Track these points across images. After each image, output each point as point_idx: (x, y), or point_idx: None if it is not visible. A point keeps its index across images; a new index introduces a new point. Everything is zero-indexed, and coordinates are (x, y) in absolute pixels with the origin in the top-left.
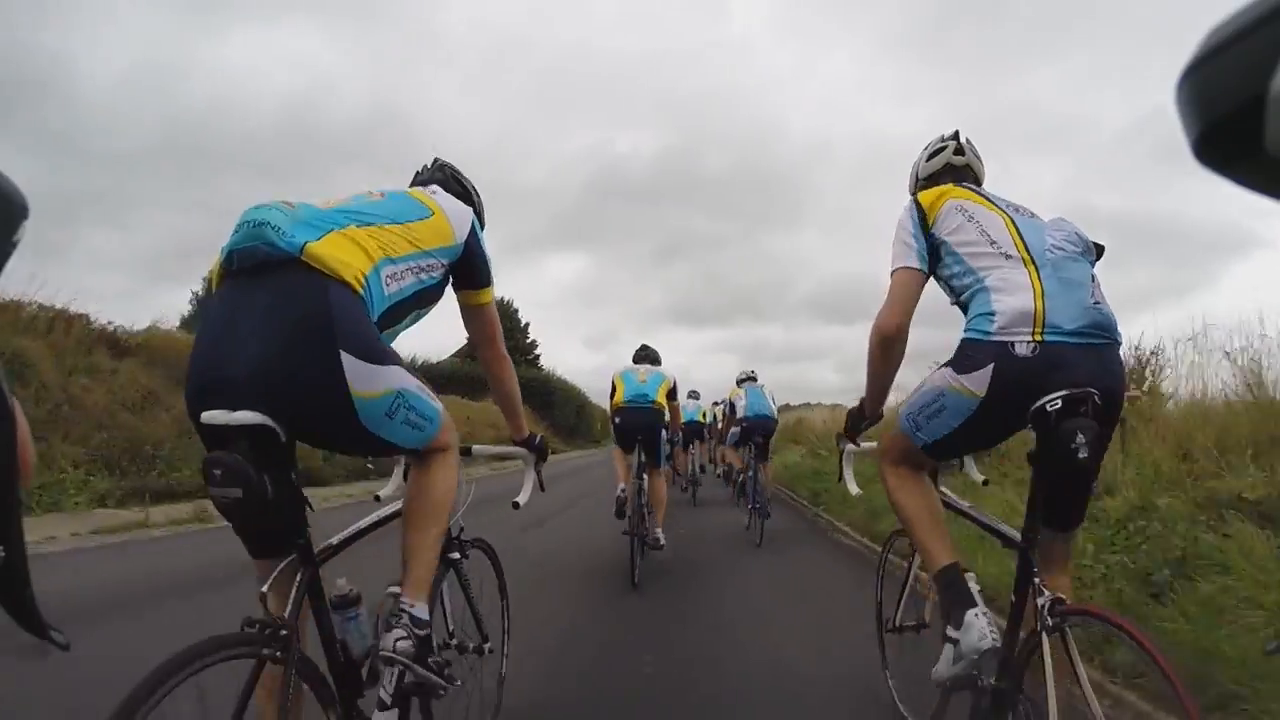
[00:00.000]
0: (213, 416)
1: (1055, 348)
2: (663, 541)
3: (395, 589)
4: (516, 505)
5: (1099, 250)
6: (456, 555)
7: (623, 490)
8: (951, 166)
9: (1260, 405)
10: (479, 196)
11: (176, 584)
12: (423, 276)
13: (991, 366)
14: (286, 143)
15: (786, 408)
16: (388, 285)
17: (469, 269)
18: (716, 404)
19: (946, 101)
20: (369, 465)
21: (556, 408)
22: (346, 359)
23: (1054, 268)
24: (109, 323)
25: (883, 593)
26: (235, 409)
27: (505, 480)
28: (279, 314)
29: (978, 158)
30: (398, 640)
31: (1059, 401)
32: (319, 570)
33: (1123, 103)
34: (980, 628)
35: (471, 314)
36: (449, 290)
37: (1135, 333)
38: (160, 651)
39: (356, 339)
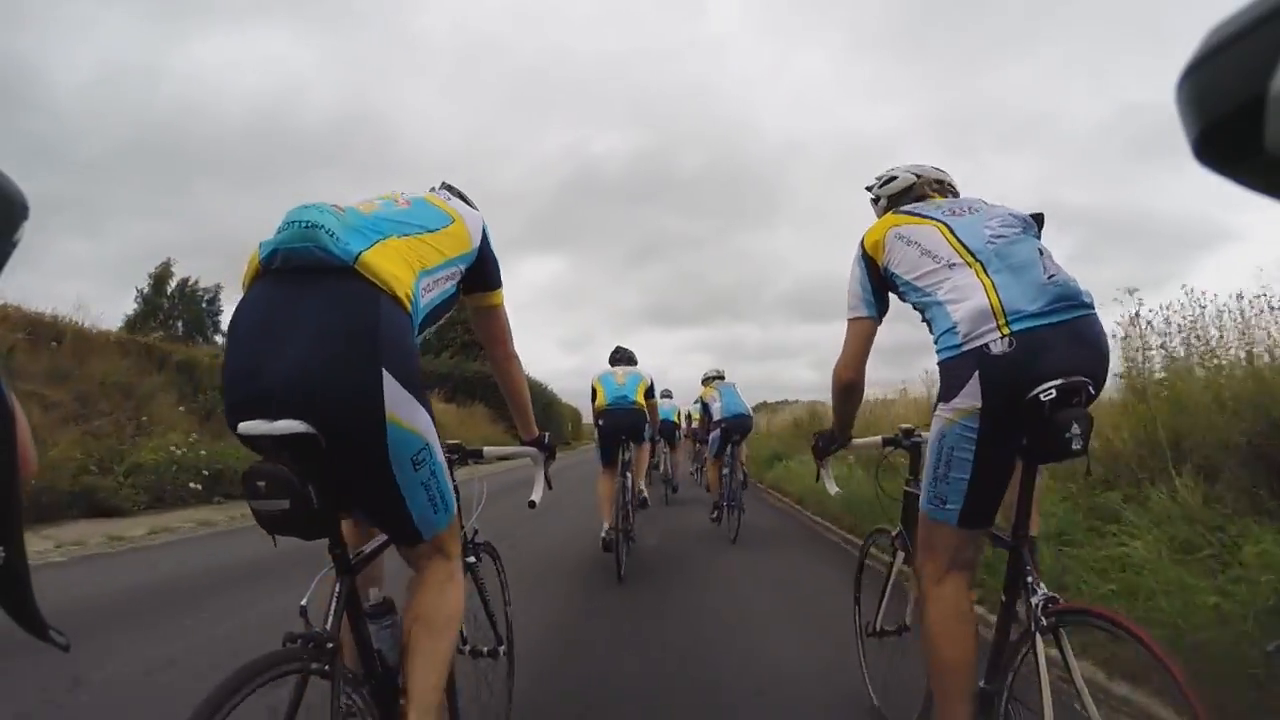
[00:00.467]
0: (252, 427)
1: (1030, 334)
2: (646, 497)
3: None
4: (533, 504)
5: (1039, 220)
6: (471, 559)
7: (607, 531)
8: (894, 196)
9: None
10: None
11: None
12: (446, 286)
13: (976, 375)
14: (259, 146)
15: (763, 405)
16: (423, 298)
17: (482, 273)
18: (695, 404)
19: (920, 99)
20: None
21: None
22: (388, 378)
23: (999, 258)
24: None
25: (861, 595)
26: (275, 418)
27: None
28: (326, 322)
29: (939, 170)
30: None
31: (1053, 391)
32: (355, 580)
33: (1096, 99)
34: None
35: (483, 315)
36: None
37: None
38: None
39: (400, 360)
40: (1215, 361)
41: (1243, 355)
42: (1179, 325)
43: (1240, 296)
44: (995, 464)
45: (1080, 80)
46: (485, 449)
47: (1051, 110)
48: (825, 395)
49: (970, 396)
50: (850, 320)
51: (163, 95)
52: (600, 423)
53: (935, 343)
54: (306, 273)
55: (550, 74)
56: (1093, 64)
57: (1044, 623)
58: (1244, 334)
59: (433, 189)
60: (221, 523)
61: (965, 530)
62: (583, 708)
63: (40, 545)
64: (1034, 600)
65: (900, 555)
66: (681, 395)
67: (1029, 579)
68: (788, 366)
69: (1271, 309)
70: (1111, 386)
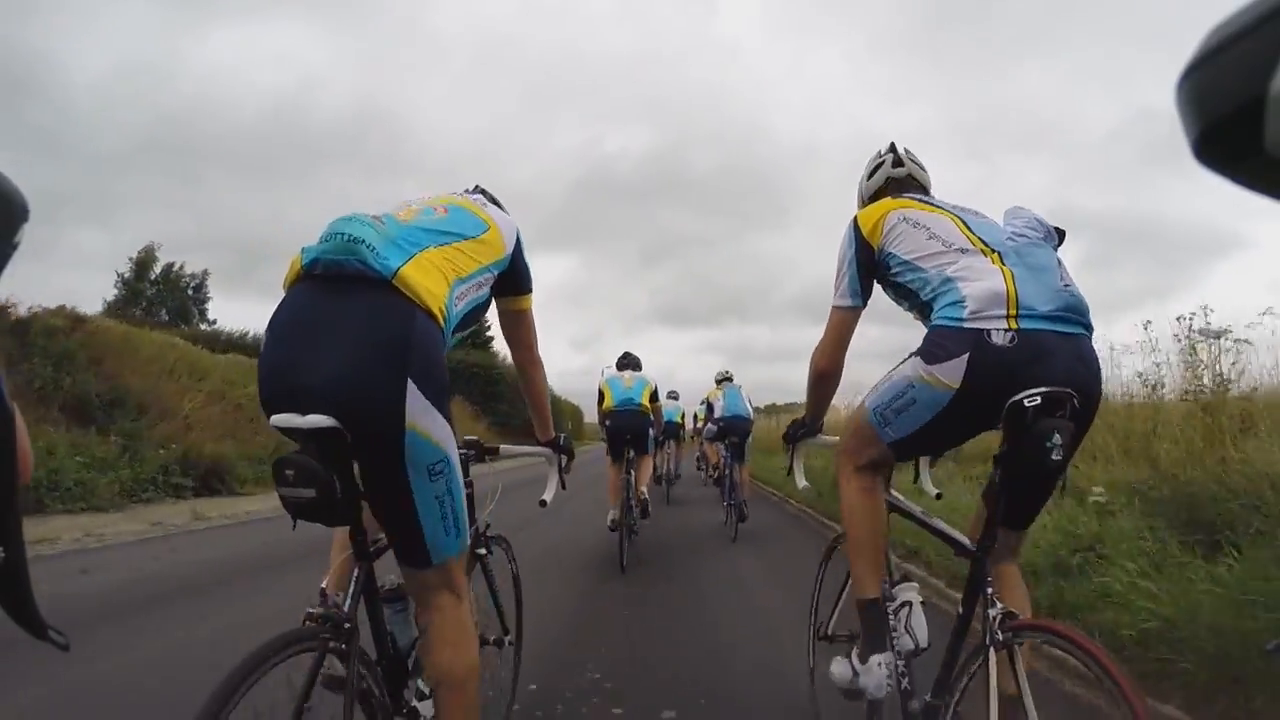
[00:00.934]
0: (284, 419)
1: (1034, 336)
2: (648, 505)
3: None
4: (544, 503)
5: (1060, 235)
6: (483, 550)
7: (613, 520)
8: (893, 180)
9: None
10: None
11: None
12: (480, 292)
13: (966, 356)
14: (272, 141)
15: (773, 408)
16: (456, 304)
17: (514, 277)
18: (701, 404)
19: (935, 102)
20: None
21: (505, 400)
22: (412, 388)
23: (1017, 254)
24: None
25: (819, 597)
26: (306, 413)
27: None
28: (362, 331)
29: (920, 166)
30: None
31: (1038, 399)
32: (372, 565)
33: (1111, 104)
34: (879, 679)
35: (512, 319)
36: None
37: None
38: None
39: (426, 372)
40: None
41: None
42: None
43: None
44: (946, 434)
45: (1096, 84)
46: (502, 447)
47: (1066, 114)
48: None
49: (951, 375)
50: (834, 307)
51: (176, 90)
52: (607, 423)
53: (934, 312)
54: (346, 281)
55: (563, 72)
56: (1108, 68)
57: (999, 637)
58: None
59: (467, 191)
60: None
61: (891, 453)
62: (587, 686)
63: None
64: (991, 613)
65: None
66: (691, 396)
67: (987, 591)
68: (797, 369)
69: None
70: None
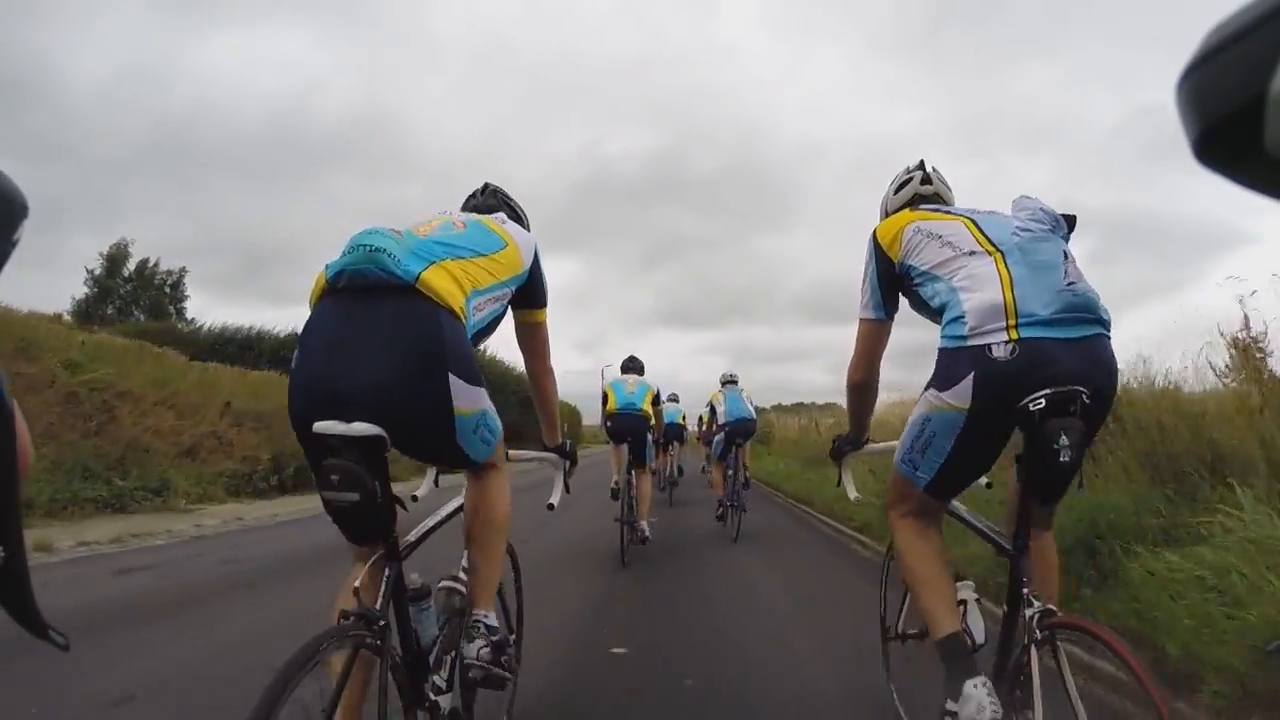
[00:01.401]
0: (328, 427)
1: (1035, 345)
2: (649, 535)
3: (447, 583)
4: (551, 507)
5: (1070, 222)
6: None
7: (616, 482)
8: (920, 197)
9: None
10: (527, 218)
11: None
12: (496, 306)
13: (971, 376)
14: (273, 145)
15: (778, 408)
16: (475, 314)
17: (531, 292)
18: (705, 407)
19: (937, 101)
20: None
21: (512, 409)
22: (454, 380)
23: (1021, 252)
24: None
25: (886, 600)
26: (348, 421)
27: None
28: (396, 336)
29: (945, 185)
30: (480, 649)
31: (1042, 400)
32: (402, 566)
33: (1113, 100)
34: (979, 699)
35: (527, 330)
36: None
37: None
38: None
39: (462, 362)
40: None
41: None
42: None
43: None
44: (972, 457)
45: (1097, 82)
46: (511, 452)
47: (1068, 112)
48: (839, 398)
49: (961, 396)
50: (861, 320)
51: (177, 94)
52: (609, 425)
53: (941, 329)
54: (370, 291)
55: (565, 74)
56: (1109, 66)
57: (1039, 635)
58: None
59: (479, 193)
60: None
61: (929, 497)
62: (588, 681)
63: None
64: (1028, 613)
65: None
66: (694, 398)
67: (1024, 590)
68: (801, 369)
69: None
70: None
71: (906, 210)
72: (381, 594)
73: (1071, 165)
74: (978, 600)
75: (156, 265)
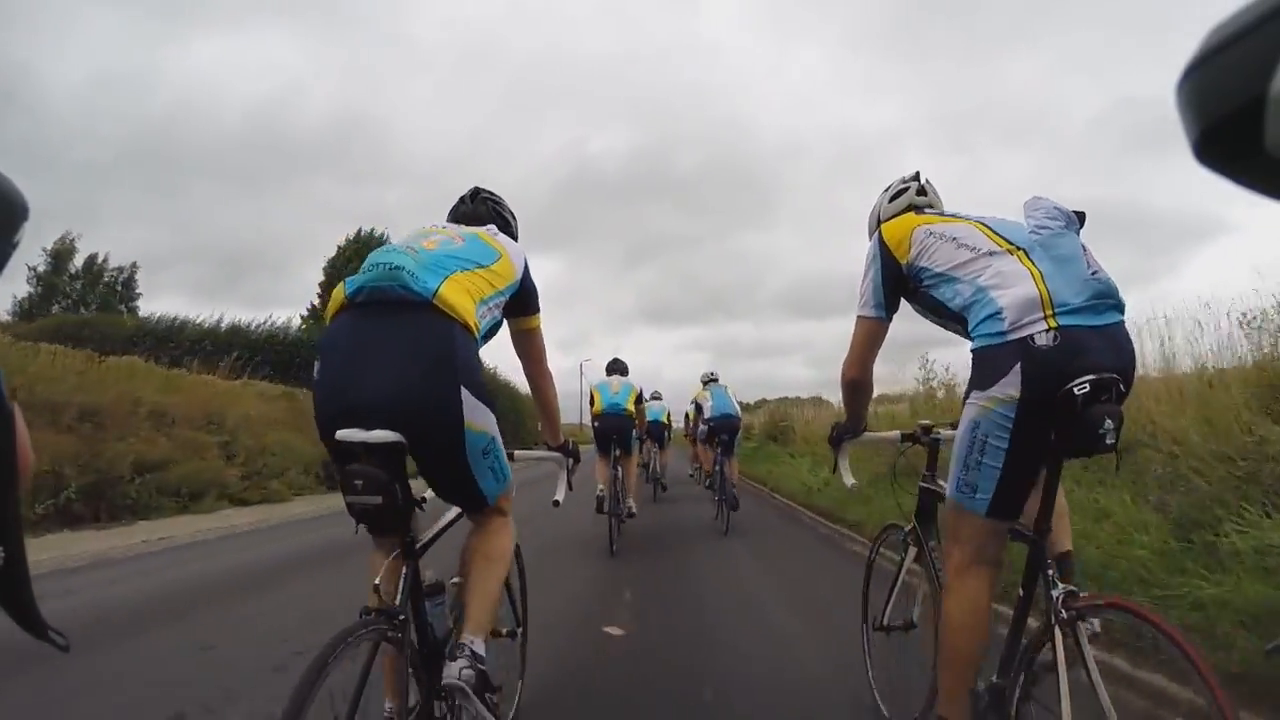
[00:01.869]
0: (350, 435)
1: (1074, 333)
2: (634, 510)
3: (458, 580)
4: (556, 503)
5: (1080, 218)
6: None
7: (601, 490)
8: (914, 207)
9: None
10: (516, 221)
11: None
12: (495, 314)
13: (1019, 366)
14: (254, 150)
15: (763, 403)
16: (480, 323)
17: (524, 300)
18: (691, 404)
19: (917, 95)
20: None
21: (506, 416)
22: (465, 394)
23: (1043, 248)
24: None
25: (870, 589)
26: (369, 429)
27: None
28: (413, 349)
29: (938, 196)
30: (462, 669)
31: (1086, 385)
32: (418, 563)
33: (1092, 92)
34: None
35: (523, 337)
36: None
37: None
38: None
39: (472, 376)
40: None
41: None
42: None
43: None
44: (1028, 454)
45: (1076, 74)
46: (516, 452)
47: (1048, 105)
48: (820, 391)
49: (1010, 386)
50: (859, 318)
51: (157, 99)
52: (596, 424)
53: (972, 329)
54: (389, 305)
55: (547, 74)
56: (1088, 58)
57: (1064, 616)
58: None
59: (466, 199)
60: None
61: (993, 521)
62: (585, 661)
63: None
64: (1054, 594)
65: (912, 551)
66: (676, 394)
67: (1049, 572)
68: (783, 364)
69: None
70: None
71: (912, 214)
72: (400, 590)
73: (1052, 158)
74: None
75: (106, 261)
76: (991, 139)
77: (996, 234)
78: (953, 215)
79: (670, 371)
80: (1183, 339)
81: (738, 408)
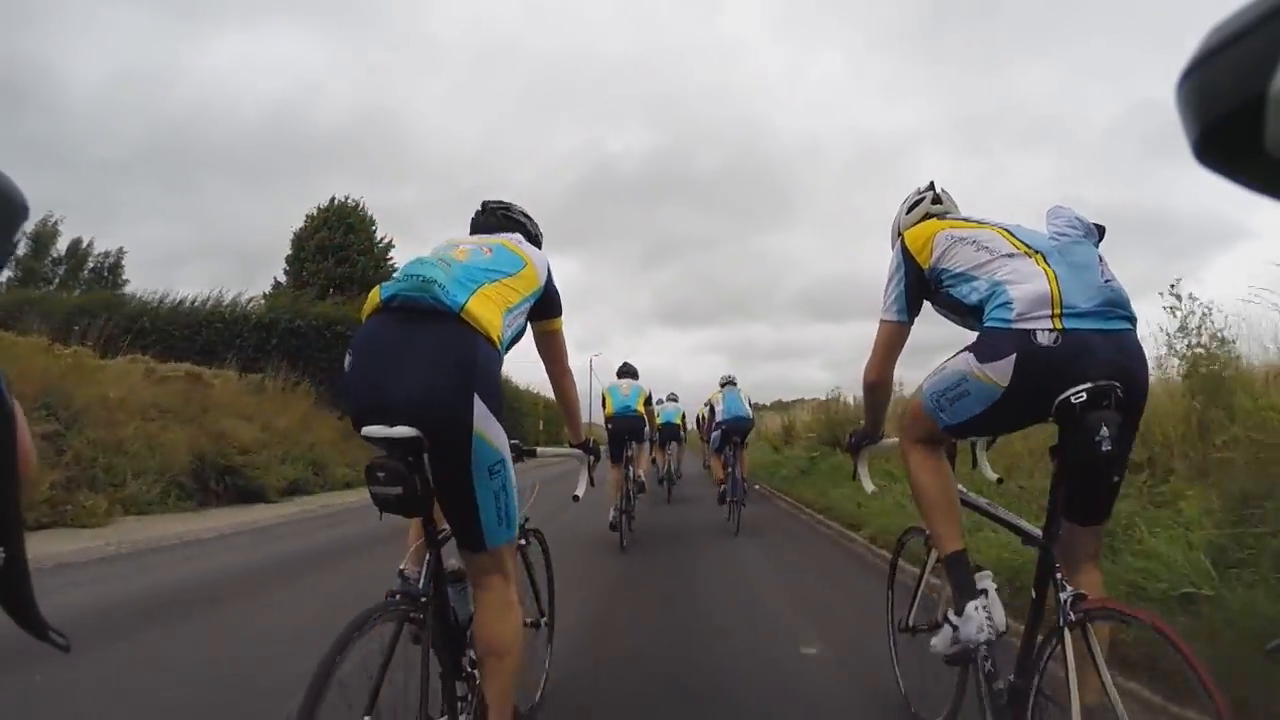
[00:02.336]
0: (374, 430)
1: (1078, 336)
2: (645, 484)
3: None
4: (576, 498)
5: (1100, 231)
6: (523, 541)
7: (614, 516)
8: (932, 215)
9: None
10: (531, 220)
11: None
12: (520, 320)
13: (1014, 356)
14: (272, 147)
15: (778, 404)
16: (506, 331)
17: (547, 304)
18: (705, 405)
19: (937, 99)
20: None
21: (522, 417)
22: (478, 401)
23: (1060, 254)
24: None
25: (894, 592)
26: (392, 425)
27: None
28: (437, 355)
29: (954, 204)
30: None
31: (1083, 394)
32: (440, 551)
33: (1111, 96)
34: (979, 620)
35: (546, 339)
36: None
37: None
38: None
39: (488, 388)
40: None
41: None
42: None
43: None
44: (998, 423)
45: (1096, 77)
46: (538, 449)
47: (1068, 108)
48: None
49: (1000, 374)
50: (882, 321)
51: (176, 97)
52: (610, 426)
53: (985, 315)
54: (420, 313)
55: (565, 73)
56: (1108, 61)
57: (1072, 618)
58: None
59: (495, 210)
60: None
61: (947, 434)
62: (600, 653)
63: None
64: (1063, 596)
65: (934, 554)
66: (693, 396)
67: (1058, 575)
68: (800, 366)
69: None
70: None
71: (934, 220)
72: (424, 575)
73: (1071, 162)
74: (997, 590)
75: (91, 245)
76: (1010, 142)
77: (1017, 239)
78: (978, 221)
79: (687, 374)
80: None
81: (749, 410)
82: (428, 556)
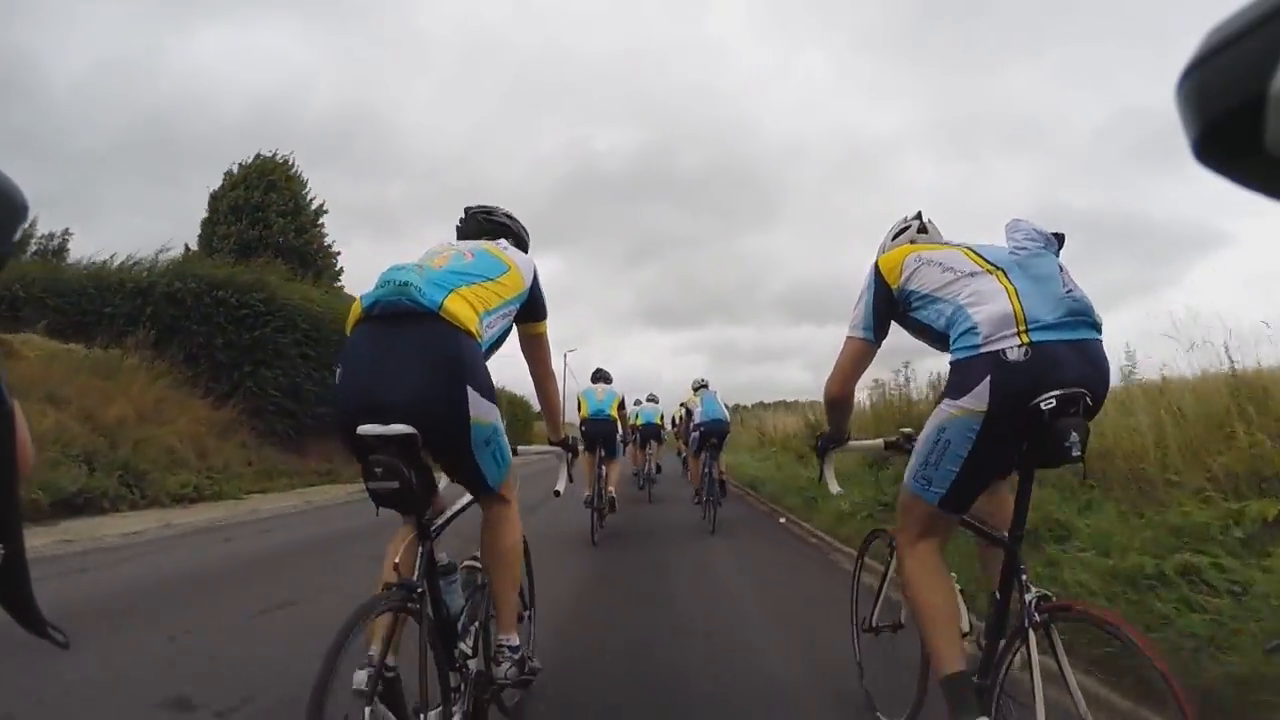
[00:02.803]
0: (371, 429)
1: (1046, 348)
2: (615, 500)
3: (469, 563)
4: (558, 493)
5: (1060, 239)
6: None
7: (589, 496)
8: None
9: None
10: (515, 221)
11: None
12: (503, 323)
13: (988, 379)
14: (257, 143)
15: (760, 405)
16: (486, 332)
17: (532, 308)
18: (679, 407)
19: (922, 101)
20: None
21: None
22: (471, 392)
23: (1021, 268)
24: None
25: (858, 593)
26: (387, 424)
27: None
28: (424, 354)
29: (939, 233)
30: (507, 671)
31: (1053, 400)
32: (433, 545)
33: (1096, 102)
34: None
35: (530, 341)
36: None
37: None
38: None
39: (477, 377)
40: None
41: None
42: None
43: None
44: (987, 463)
45: (1081, 83)
46: (520, 447)
47: (1053, 113)
48: (820, 397)
49: (978, 400)
50: (848, 338)
51: (159, 89)
52: (583, 429)
53: (951, 344)
54: (401, 318)
55: (552, 72)
56: (1093, 67)
57: (1036, 619)
58: None
59: (480, 217)
60: None
61: (943, 512)
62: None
63: None
64: (1027, 598)
65: (896, 557)
66: (674, 397)
67: (1022, 577)
68: (782, 368)
69: None
70: None
71: (907, 245)
72: (418, 568)
73: (1055, 167)
74: (960, 591)
75: (34, 225)
76: (995, 146)
77: (979, 256)
78: (943, 242)
79: (669, 374)
80: None
81: (726, 413)
82: (420, 549)
